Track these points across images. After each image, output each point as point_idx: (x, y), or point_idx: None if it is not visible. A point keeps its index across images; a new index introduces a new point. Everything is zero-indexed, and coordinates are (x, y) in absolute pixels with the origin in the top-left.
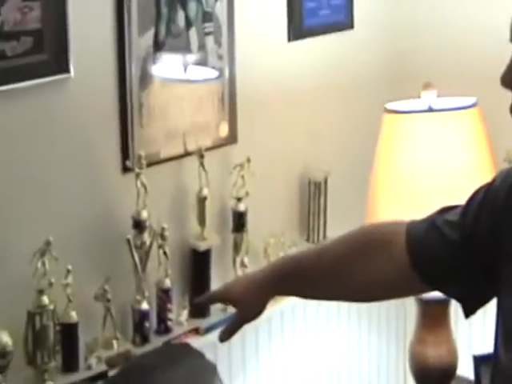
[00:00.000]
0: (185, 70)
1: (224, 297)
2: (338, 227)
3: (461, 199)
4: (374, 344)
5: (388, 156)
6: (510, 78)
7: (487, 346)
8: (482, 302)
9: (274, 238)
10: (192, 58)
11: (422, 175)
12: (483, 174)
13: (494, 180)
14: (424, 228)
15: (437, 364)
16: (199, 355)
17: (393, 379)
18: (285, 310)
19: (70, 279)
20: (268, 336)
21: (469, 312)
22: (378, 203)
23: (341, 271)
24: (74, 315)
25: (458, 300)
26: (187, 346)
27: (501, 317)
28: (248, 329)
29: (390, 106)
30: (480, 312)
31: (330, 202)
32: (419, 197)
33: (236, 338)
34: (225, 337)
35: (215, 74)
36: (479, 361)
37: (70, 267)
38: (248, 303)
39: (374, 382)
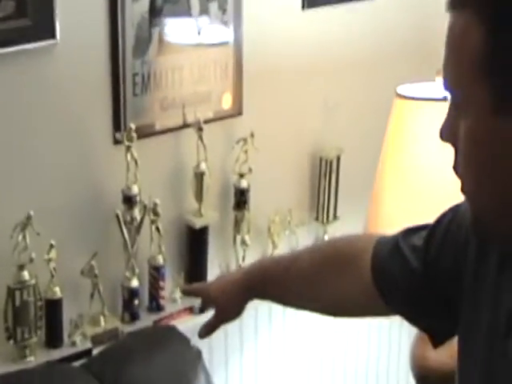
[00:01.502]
0: (184, 36)
1: (204, 295)
2: (348, 207)
3: None
4: (374, 336)
5: (396, 144)
6: (446, 132)
7: None
8: (450, 335)
9: (279, 217)
10: (193, 24)
11: (430, 167)
12: None
13: (459, 206)
14: (388, 249)
15: (438, 367)
16: (185, 340)
17: (393, 378)
18: None
19: (53, 254)
20: (264, 320)
21: (436, 343)
22: (383, 192)
23: (309, 285)
24: (57, 291)
25: (422, 329)
26: (173, 330)
27: (458, 362)
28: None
29: (401, 90)
30: None
31: (342, 182)
32: (426, 190)
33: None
34: (203, 334)
35: (217, 40)
36: None
37: (53, 242)
38: (225, 304)
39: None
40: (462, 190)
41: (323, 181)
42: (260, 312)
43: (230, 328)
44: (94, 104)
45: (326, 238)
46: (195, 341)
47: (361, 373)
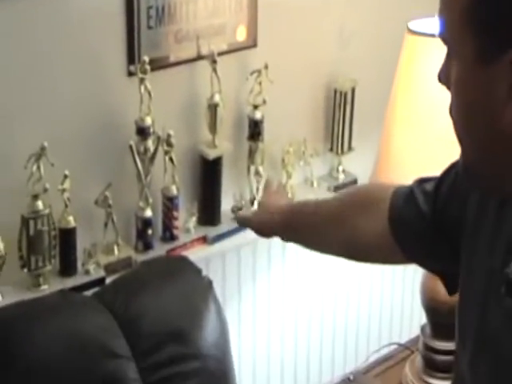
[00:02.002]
0: None
1: (247, 223)
2: (362, 139)
3: None
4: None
5: (407, 80)
6: (443, 75)
7: None
8: None
9: (293, 147)
10: None
11: (440, 103)
12: None
13: None
14: (403, 198)
15: (448, 299)
16: (196, 270)
17: (407, 314)
18: None
19: (66, 184)
20: (278, 251)
21: (451, 289)
22: (394, 127)
23: (331, 226)
24: (71, 220)
25: (437, 275)
26: (185, 260)
27: (458, 308)
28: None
29: (412, 25)
30: None
31: (356, 113)
32: (435, 126)
33: (247, 247)
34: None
35: None
36: None
37: (67, 172)
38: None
39: (386, 315)
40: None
41: (338, 112)
42: (273, 243)
43: (243, 258)
44: (108, 37)
45: (341, 168)
46: (208, 271)
47: (375, 307)
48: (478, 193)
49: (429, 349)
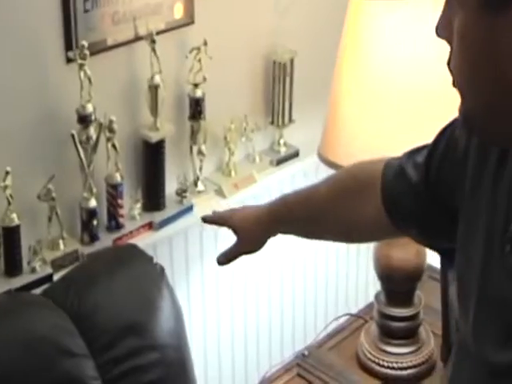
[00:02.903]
0: None
1: (226, 223)
2: (303, 111)
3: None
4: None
5: (353, 47)
6: (442, 27)
7: None
8: None
9: (234, 124)
10: None
11: (387, 72)
12: None
13: (456, 120)
14: (393, 173)
15: (402, 265)
16: (146, 257)
17: (362, 282)
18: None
19: (8, 181)
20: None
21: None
22: (340, 97)
23: (327, 210)
24: (14, 218)
25: (436, 251)
26: (134, 248)
27: (457, 273)
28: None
29: None
30: None
31: (296, 85)
32: (384, 95)
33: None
34: (222, 260)
35: None
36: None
37: (8, 169)
38: (247, 235)
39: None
40: (454, 85)
41: (277, 85)
42: None
43: (190, 241)
44: (43, 23)
45: (282, 141)
46: (156, 257)
47: (331, 277)
48: (476, 151)
49: (384, 316)
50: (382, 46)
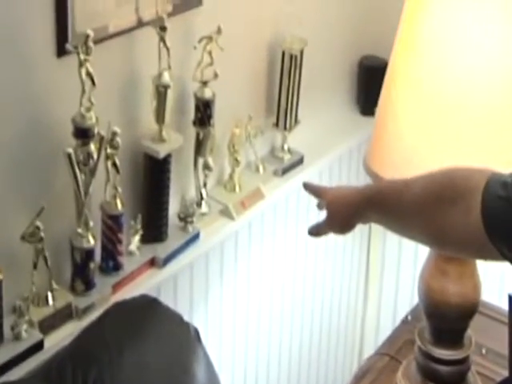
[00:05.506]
0: None
1: (321, 196)
2: (309, 109)
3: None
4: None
5: (410, 50)
6: None
7: None
8: None
9: (239, 129)
10: None
11: (452, 77)
12: None
13: None
14: (499, 190)
15: (459, 302)
16: (176, 318)
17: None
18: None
19: None
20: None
21: None
22: (393, 101)
23: (420, 210)
24: None
25: None
26: (157, 305)
27: None
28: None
29: None
30: None
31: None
32: (445, 98)
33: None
34: (314, 232)
35: None
36: None
37: None
38: (336, 215)
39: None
40: None
41: (285, 80)
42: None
43: (195, 277)
44: (33, 9)
45: (286, 147)
46: (164, 297)
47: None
48: None
49: (428, 357)
50: (444, 51)
